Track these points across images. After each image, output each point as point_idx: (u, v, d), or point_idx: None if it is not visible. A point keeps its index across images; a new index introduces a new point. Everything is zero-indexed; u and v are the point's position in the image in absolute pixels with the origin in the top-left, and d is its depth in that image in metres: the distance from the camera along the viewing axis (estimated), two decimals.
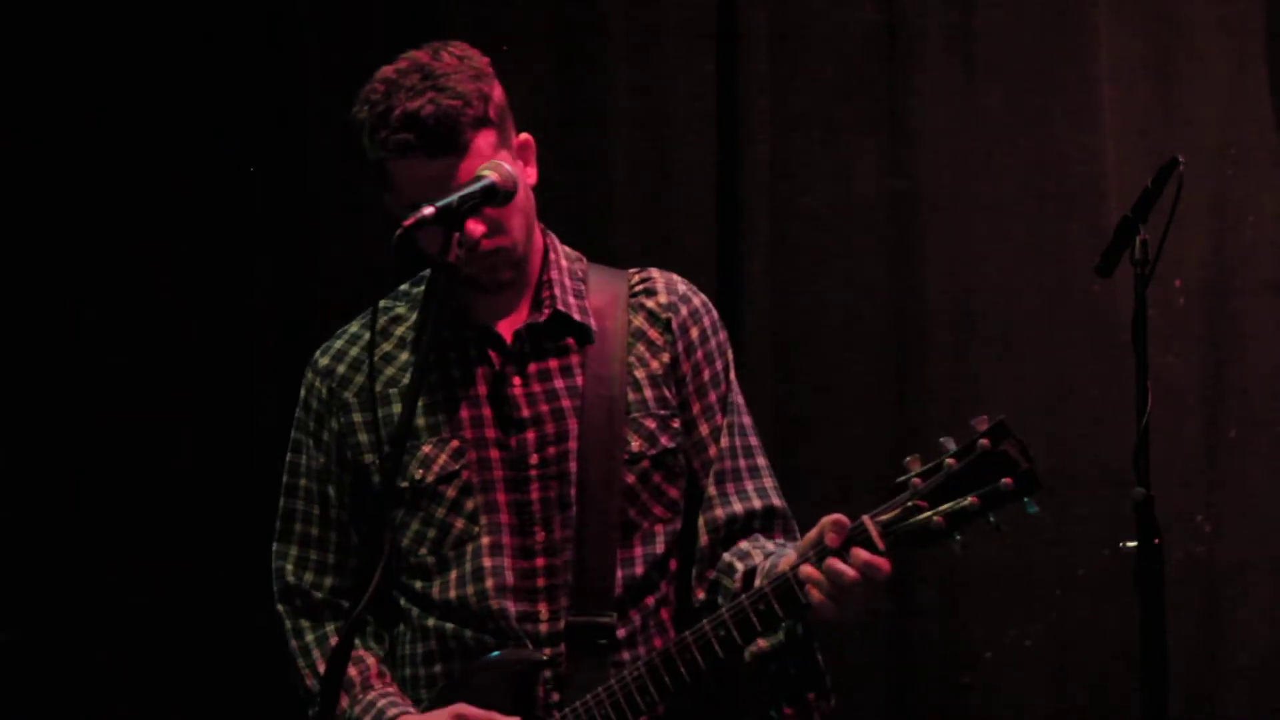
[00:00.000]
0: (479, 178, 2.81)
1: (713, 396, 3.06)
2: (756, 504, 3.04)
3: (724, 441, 3.06)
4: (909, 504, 2.70)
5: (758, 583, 2.88)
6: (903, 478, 2.72)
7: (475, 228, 2.84)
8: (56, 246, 4.34)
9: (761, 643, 2.91)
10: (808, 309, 4.27)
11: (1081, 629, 4.14)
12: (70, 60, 4.34)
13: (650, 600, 3.00)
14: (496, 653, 2.94)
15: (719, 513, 3.03)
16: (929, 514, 2.69)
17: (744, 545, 3.01)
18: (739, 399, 3.10)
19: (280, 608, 3.12)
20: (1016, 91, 4.23)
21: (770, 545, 3.01)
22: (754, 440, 3.09)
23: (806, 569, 2.74)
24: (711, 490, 3.04)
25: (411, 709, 2.98)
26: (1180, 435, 4.12)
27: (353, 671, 3.02)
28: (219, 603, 4.31)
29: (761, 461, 3.08)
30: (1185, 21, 4.20)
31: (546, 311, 3.00)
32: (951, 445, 2.70)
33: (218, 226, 4.37)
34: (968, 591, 4.18)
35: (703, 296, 3.11)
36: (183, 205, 4.36)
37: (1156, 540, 3.22)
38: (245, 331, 4.39)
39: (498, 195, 2.82)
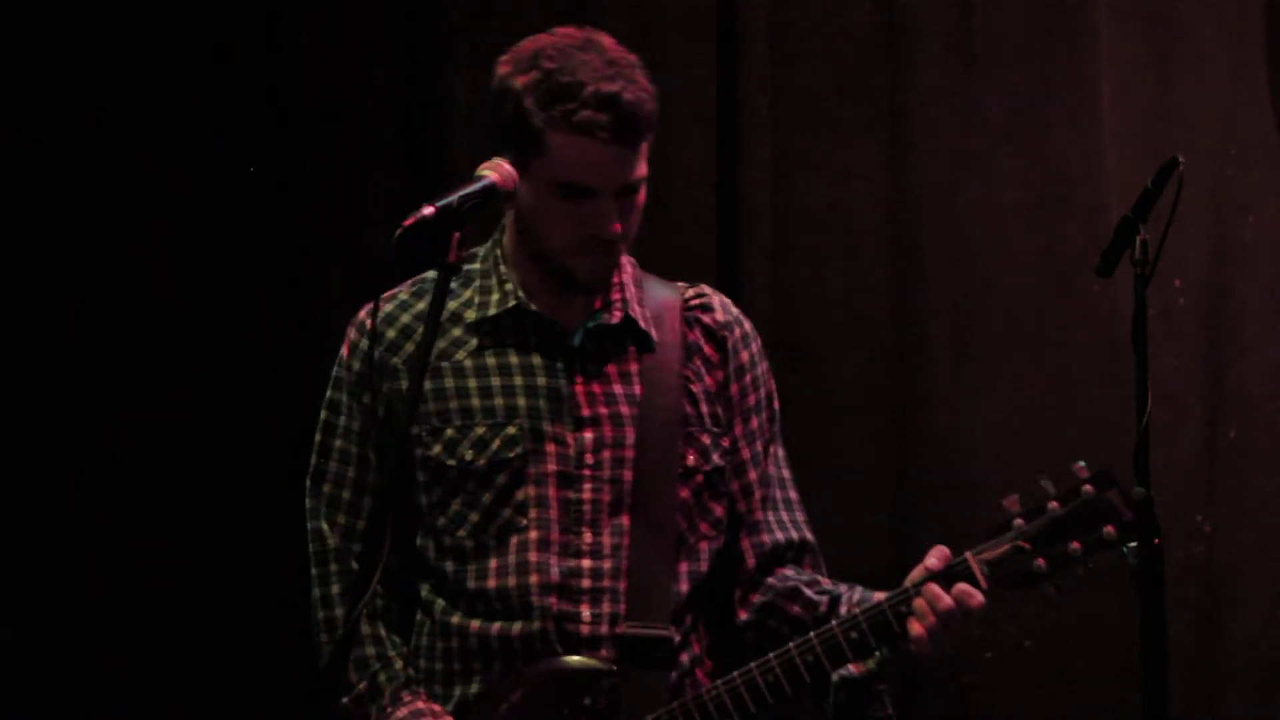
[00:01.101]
0: (479, 177, 2.81)
1: (755, 422, 3.07)
2: (794, 535, 3.07)
3: (768, 468, 3.08)
4: (1013, 545, 2.77)
5: (844, 610, 2.92)
6: (1004, 518, 2.79)
7: (608, 216, 2.85)
8: (56, 246, 4.33)
9: (855, 668, 2.91)
10: (808, 309, 4.27)
11: (1081, 629, 4.14)
12: (70, 60, 4.33)
13: (691, 617, 2.98)
14: (541, 663, 2.90)
15: (766, 538, 3.05)
16: (1033, 557, 2.76)
17: (792, 574, 3.04)
18: (779, 428, 3.12)
19: (314, 571, 3.06)
20: (1016, 91, 4.23)
21: (822, 578, 3.05)
22: (787, 473, 3.12)
23: (918, 601, 2.79)
24: (759, 515, 3.05)
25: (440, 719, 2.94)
26: (1180, 435, 4.12)
27: (381, 678, 2.99)
28: (219, 603, 4.31)
29: (794, 495, 3.11)
30: (1185, 21, 4.20)
31: (618, 314, 2.99)
32: (1050, 488, 2.77)
33: (218, 226, 4.37)
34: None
35: (750, 323, 3.12)
36: (183, 205, 4.36)
37: (1156, 540, 3.22)
38: (245, 331, 4.39)
39: (498, 195, 2.82)
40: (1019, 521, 2.78)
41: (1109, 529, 2.75)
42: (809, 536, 3.09)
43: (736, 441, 3.04)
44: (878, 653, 2.88)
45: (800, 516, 3.10)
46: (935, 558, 2.81)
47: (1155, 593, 3.23)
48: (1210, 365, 4.18)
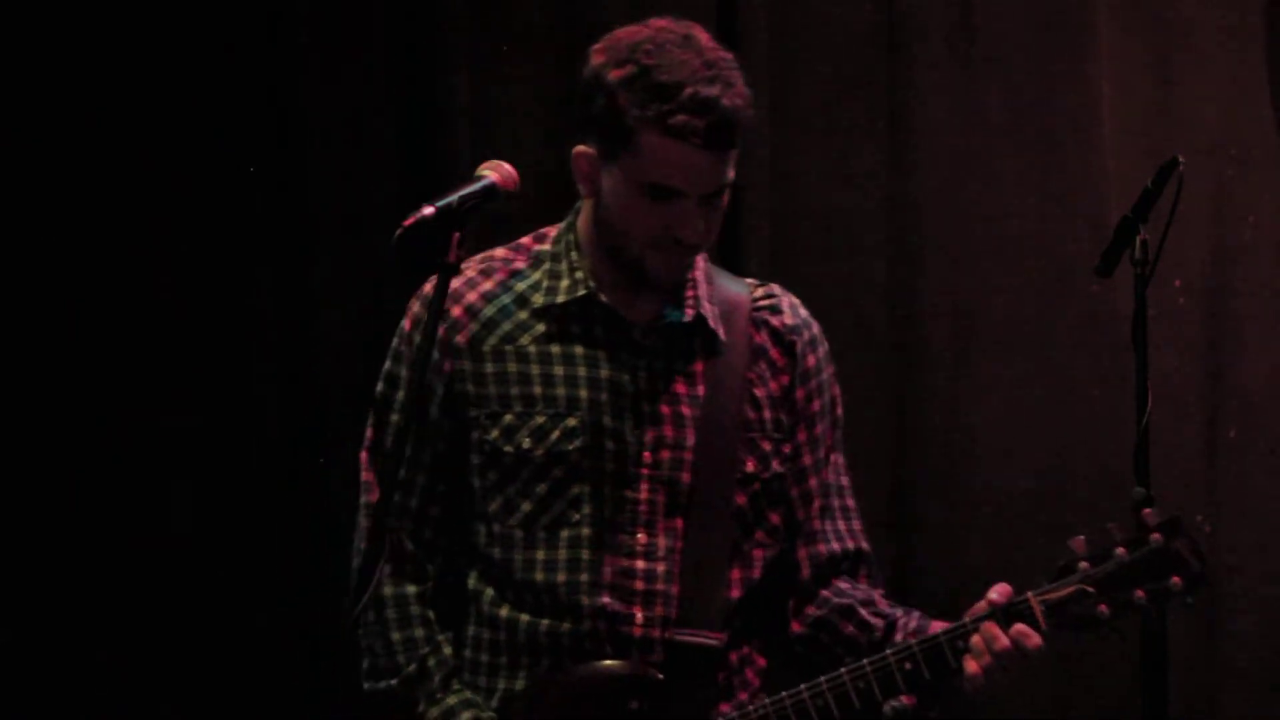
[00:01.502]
0: (479, 177, 2.80)
1: (819, 428, 3.00)
2: (850, 545, 3.01)
3: (828, 476, 3.02)
4: (1077, 589, 2.75)
5: (899, 637, 2.88)
6: (1068, 560, 2.77)
7: (691, 220, 2.81)
8: (56, 247, 4.33)
9: (906, 699, 2.86)
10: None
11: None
12: (70, 60, 4.33)
13: (742, 626, 2.93)
14: (590, 665, 2.86)
15: (822, 548, 3.00)
16: (1095, 601, 2.74)
17: (848, 589, 2.99)
18: (841, 435, 3.06)
19: (362, 546, 3.00)
20: (1016, 91, 4.23)
21: (874, 594, 2.99)
22: (846, 480, 3.05)
23: (975, 639, 2.77)
24: (816, 525, 3.00)
25: (486, 714, 2.89)
26: (1180, 435, 4.12)
27: (431, 662, 2.93)
28: (219, 603, 4.31)
29: (852, 503, 3.05)
30: (1185, 22, 4.20)
31: (690, 312, 2.92)
32: (1117, 534, 2.76)
33: (218, 227, 4.37)
34: (968, 591, 4.18)
35: (819, 325, 3.05)
36: (183, 206, 4.36)
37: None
38: (245, 332, 4.39)
39: (498, 195, 2.81)
40: (1084, 565, 2.76)
41: (1175, 580, 2.74)
42: (865, 546, 3.03)
43: (799, 448, 2.99)
44: (932, 685, 2.83)
45: (857, 525, 3.04)
46: (997, 593, 2.79)
47: None
48: (1210, 365, 4.17)
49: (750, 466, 2.92)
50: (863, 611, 2.95)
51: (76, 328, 4.32)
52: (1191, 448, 4.15)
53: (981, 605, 2.80)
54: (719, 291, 2.98)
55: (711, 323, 2.93)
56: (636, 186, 2.80)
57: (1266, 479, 4.14)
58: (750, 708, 2.84)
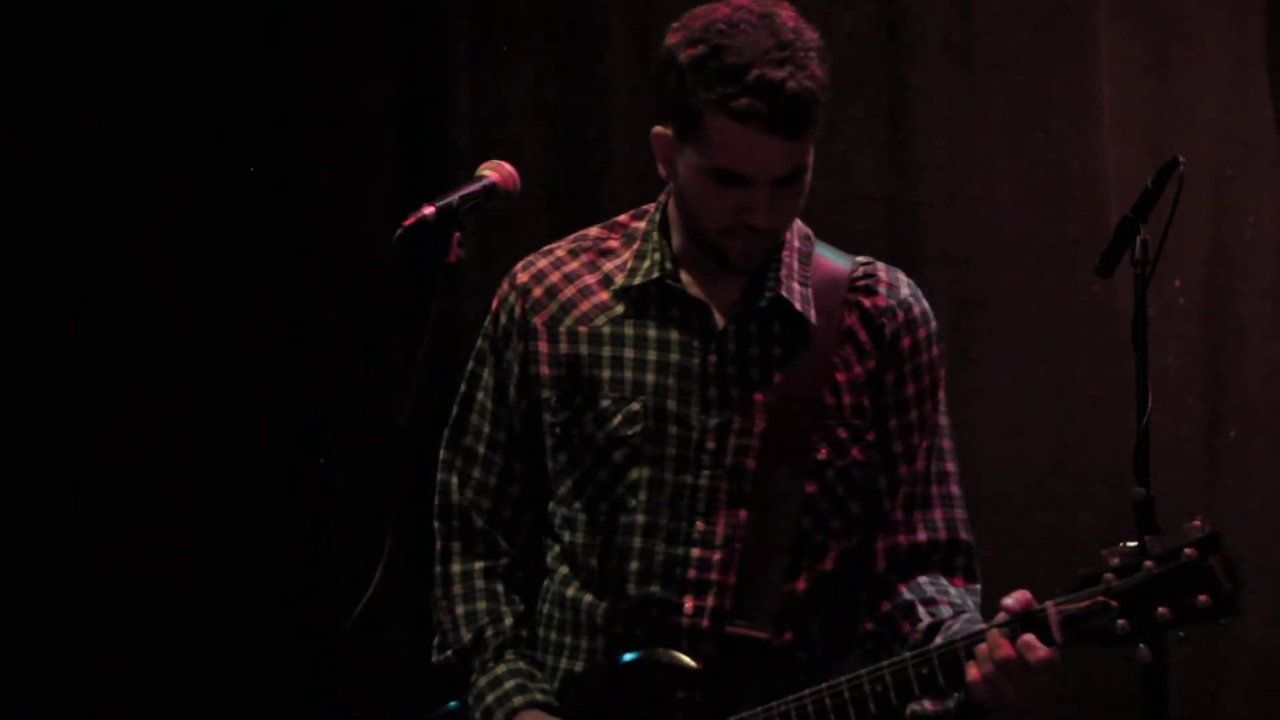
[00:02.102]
0: (479, 177, 2.80)
1: (913, 414, 2.86)
2: (942, 535, 2.86)
3: (919, 464, 2.86)
4: (1098, 600, 2.55)
5: (939, 639, 2.71)
6: (1096, 569, 2.57)
7: (761, 206, 2.72)
8: (56, 246, 4.34)
9: (930, 704, 2.73)
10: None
11: None
12: (70, 60, 4.34)
13: (810, 619, 2.82)
14: (637, 653, 2.81)
15: (901, 539, 2.85)
16: (1116, 616, 2.54)
17: (925, 584, 2.84)
18: (943, 420, 2.90)
19: (436, 524, 2.98)
20: (1016, 91, 4.23)
21: (953, 591, 2.84)
22: (950, 466, 2.90)
23: (981, 646, 2.60)
24: (898, 514, 2.85)
25: (536, 687, 2.86)
26: (1180, 435, 4.12)
27: (489, 633, 2.91)
28: (219, 603, 4.31)
29: (955, 490, 2.89)
30: (1185, 22, 4.20)
31: (769, 295, 2.81)
32: (1153, 546, 2.55)
33: (218, 228, 4.37)
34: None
35: (924, 305, 2.90)
36: (183, 206, 4.36)
37: None
38: (245, 331, 4.39)
39: (498, 195, 2.81)
40: (1109, 576, 2.55)
41: (1203, 598, 2.50)
42: (962, 536, 2.87)
43: (888, 435, 2.85)
44: (956, 694, 2.68)
45: (958, 515, 2.88)
46: (1014, 599, 2.61)
47: None
48: (1210, 365, 4.17)
49: (823, 454, 2.80)
50: (920, 609, 2.80)
51: (77, 327, 4.33)
52: (1191, 448, 4.15)
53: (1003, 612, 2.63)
54: (817, 270, 2.87)
55: (798, 305, 2.82)
56: (706, 170, 2.73)
57: (1266, 479, 4.14)
58: (775, 704, 2.73)
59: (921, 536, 2.86)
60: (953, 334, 4.24)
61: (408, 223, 2.68)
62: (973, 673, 2.61)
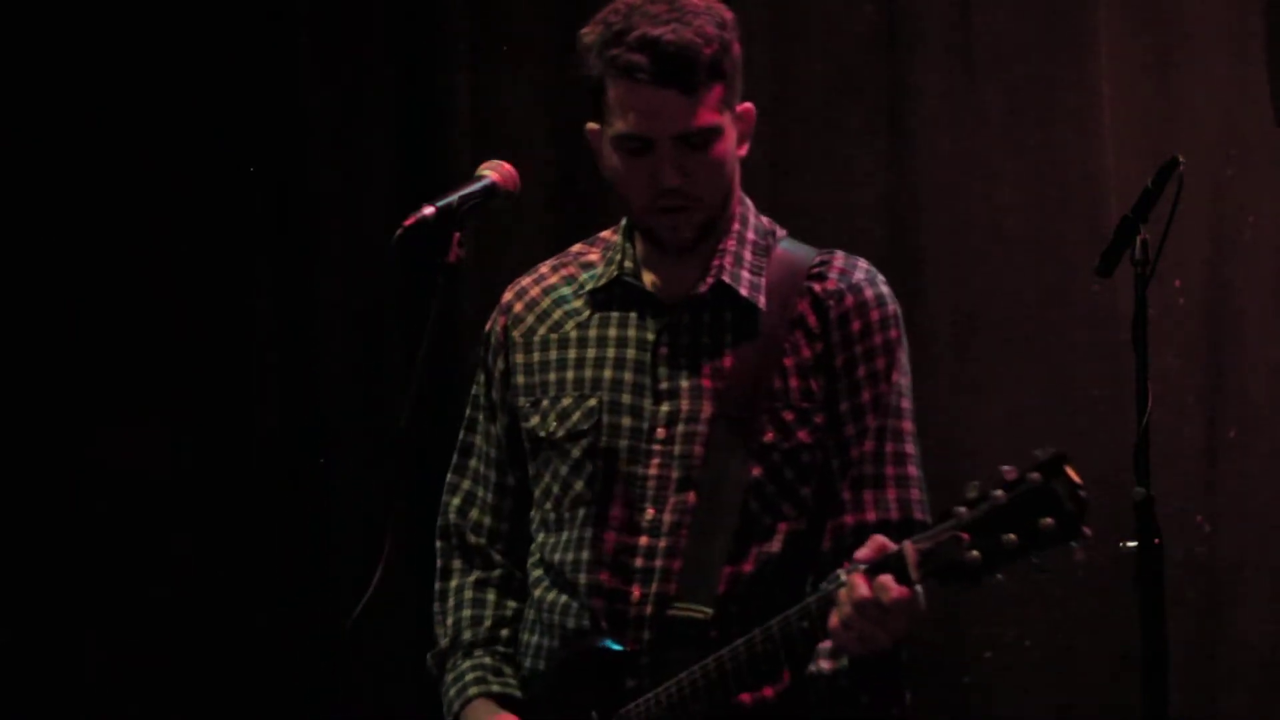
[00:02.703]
0: (479, 177, 2.81)
1: (866, 395, 2.86)
2: (894, 515, 2.84)
3: (868, 445, 2.86)
4: (950, 535, 2.51)
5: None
6: (949, 506, 2.53)
7: (672, 172, 2.78)
8: (56, 246, 4.34)
9: (824, 664, 2.77)
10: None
11: (1081, 629, 4.14)
12: (70, 60, 4.34)
13: (756, 601, 2.80)
14: (575, 648, 2.86)
15: (848, 519, 2.84)
16: (968, 548, 2.49)
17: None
18: (901, 403, 2.89)
19: (437, 544, 3.06)
20: (1016, 91, 4.23)
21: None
22: (909, 448, 2.89)
23: (841, 591, 2.59)
24: (846, 495, 2.85)
25: (496, 680, 2.93)
26: (1180, 435, 4.12)
27: (466, 635, 2.99)
28: (219, 603, 4.31)
29: (913, 471, 2.89)
30: (1185, 21, 4.20)
31: (710, 281, 2.87)
32: (1010, 474, 2.50)
33: (218, 226, 4.37)
34: (967, 591, 4.18)
35: (880, 289, 2.91)
36: (183, 205, 4.36)
37: (1156, 540, 3.21)
38: (245, 331, 4.39)
39: (498, 195, 2.82)
40: (961, 510, 2.50)
41: (1048, 521, 2.45)
42: (917, 516, 2.84)
43: (843, 418, 2.86)
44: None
45: (914, 495, 2.87)
46: (868, 546, 2.60)
47: (1155, 592, 3.23)
48: (1210, 365, 4.17)
49: (769, 437, 2.82)
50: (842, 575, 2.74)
51: (77, 327, 4.33)
52: (1191, 448, 4.15)
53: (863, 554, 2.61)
54: (777, 261, 2.92)
55: (744, 291, 2.87)
56: (616, 145, 2.81)
57: (1266, 479, 4.14)
58: (683, 674, 2.74)
59: (870, 516, 2.84)
60: (953, 334, 4.24)
61: (408, 223, 2.69)
62: (833, 620, 2.61)
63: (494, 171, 2.83)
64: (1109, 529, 3.99)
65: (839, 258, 2.93)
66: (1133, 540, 3.24)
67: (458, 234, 2.73)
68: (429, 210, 2.71)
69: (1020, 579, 4.22)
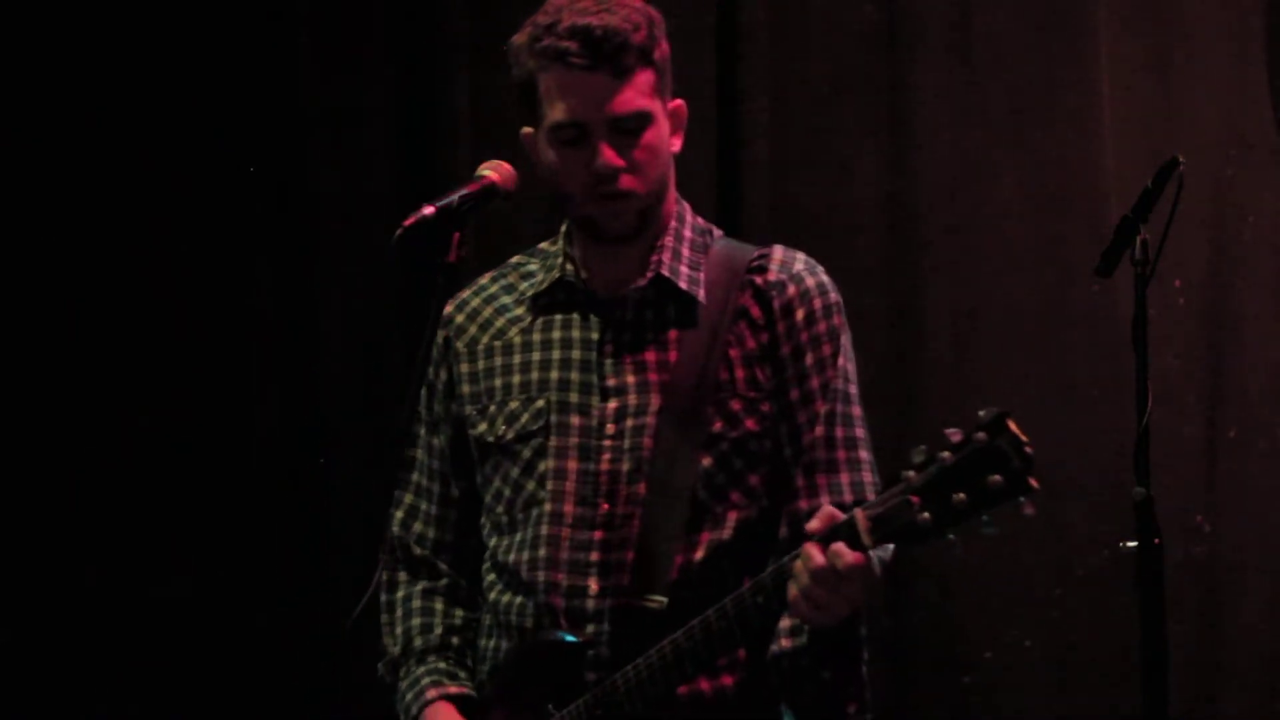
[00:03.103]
0: (479, 177, 2.81)
1: (814, 382, 2.89)
2: (847, 498, 2.85)
3: (819, 430, 2.89)
4: (900, 499, 2.53)
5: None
6: (897, 470, 2.54)
7: (609, 154, 2.81)
8: (56, 246, 4.34)
9: (785, 642, 2.80)
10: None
11: (1081, 629, 4.14)
12: (70, 60, 4.34)
13: (710, 588, 2.79)
14: (529, 642, 2.87)
15: (802, 504, 2.86)
16: (919, 511, 2.50)
17: None
18: (849, 388, 2.93)
19: (382, 557, 3.06)
20: (1016, 91, 4.23)
21: None
22: (859, 432, 2.92)
23: (796, 564, 2.61)
24: (799, 480, 2.88)
25: (452, 683, 2.96)
26: (1180, 435, 4.12)
27: (417, 643, 3.01)
28: (219, 603, 4.31)
29: (864, 455, 2.91)
30: (1185, 21, 4.20)
31: (649, 275, 2.90)
32: (956, 436, 2.50)
33: (218, 226, 4.38)
34: (967, 592, 4.18)
35: (820, 278, 2.94)
36: (183, 205, 4.36)
37: (1156, 540, 3.22)
38: (245, 331, 4.39)
39: (498, 195, 2.82)
40: (910, 474, 2.51)
41: (996, 479, 2.44)
42: (870, 498, 2.77)
43: (793, 406, 2.89)
44: (806, 628, 2.74)
45: (866, 478, 2.89)
46: (818, 518, 2.62)
47: (1155, 593, 3.23)
48: (1210, 365, 4.17)
49: (717, 426, 2.86)
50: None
51: (77, 327, 4.33)
52: (1191, 448, 4.15)
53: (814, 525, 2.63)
54: (716, 257, 2.95)
55: (683, 284, 2.91)
56: (551, 138, 2.84)
57: (1266, 479, 4.14)
58: (641, 658, 2.76)
59: (824, 500, 2.84)
60: (953, 334, 4.25)
61: (408, 223, 2.69)
62: (791, 591, 2.62)
63: (494, 171, 2.83)
64: (1109, 529, 4.01)
65: (778, 250, 2.97)
66: (1133, 540, 3.24)
67: (458, 234, 2.74)
68: (429, 210, 2.71)
69: (1021, 580, 4.23)
